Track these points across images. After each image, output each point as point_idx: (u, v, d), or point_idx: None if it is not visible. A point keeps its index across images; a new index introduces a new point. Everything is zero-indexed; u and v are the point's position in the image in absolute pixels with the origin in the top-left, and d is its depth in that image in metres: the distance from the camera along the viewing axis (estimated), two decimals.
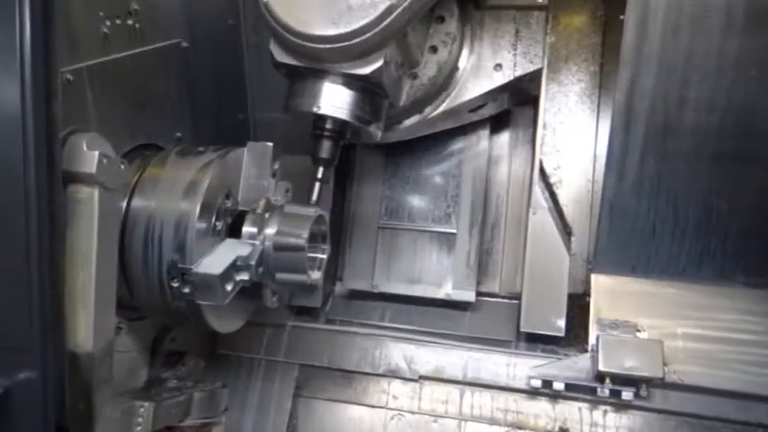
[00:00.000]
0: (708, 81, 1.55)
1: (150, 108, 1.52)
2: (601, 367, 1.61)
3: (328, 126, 1.51)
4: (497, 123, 2.00)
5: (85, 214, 1.03)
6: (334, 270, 2.01)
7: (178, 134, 1.61)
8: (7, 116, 0.92)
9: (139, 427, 1.29)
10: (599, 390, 1.65)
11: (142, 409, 1.29)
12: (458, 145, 1.97)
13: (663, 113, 1.60)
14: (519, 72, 1.78)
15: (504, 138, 2.02)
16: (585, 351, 1.72)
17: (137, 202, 1.34)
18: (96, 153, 1.02)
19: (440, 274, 1.93)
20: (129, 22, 1.43)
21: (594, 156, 1.94)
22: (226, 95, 1.89)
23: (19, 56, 0.93)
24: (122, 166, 1.13)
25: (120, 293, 1.27)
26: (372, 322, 1.94)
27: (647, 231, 1.71)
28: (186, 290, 1.30)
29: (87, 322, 1.06)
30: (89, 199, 1.03)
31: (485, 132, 1.97)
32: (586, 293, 1.85)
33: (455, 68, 1.76)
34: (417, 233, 1.96)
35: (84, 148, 1.01)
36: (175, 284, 1.30)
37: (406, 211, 1.98)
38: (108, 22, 1.35)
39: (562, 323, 1.76)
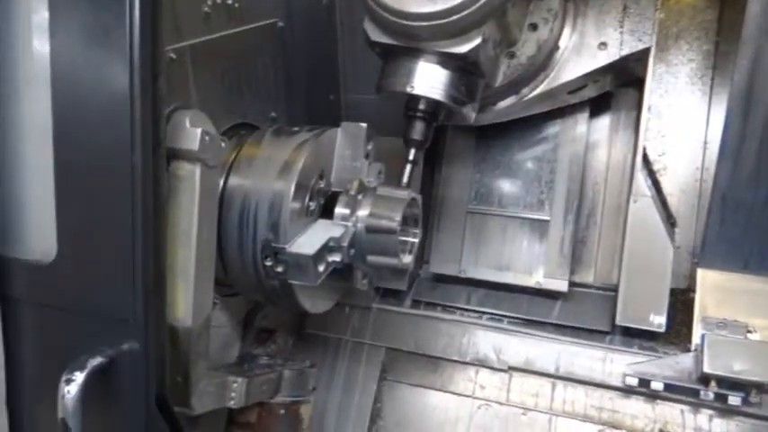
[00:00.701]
0: None
1: (246, 87, 1.53)
2: (706, 369, 1.50)
3: (421, 107, 1.48)
4: (597, 106, 1.88)
5: (187, 191, 1.05)
6: (420, 253, 1.98)
7: (273, 114, 1.62)
8: (116, 93, 0.94)
9: (233, 402, 1.31)
10: (702, 393, 1.54)
11: (235, 384, 1.32)
12: (554, 128, 1.88)
13: None
14: (625, 51, 1.66)
15: (605, 121, 1.91)
16: (688, 350, 1.61)
17: (233, 181, 1.36)
18: (199, 130, 1.03)
19: (530, 262, 1.86)
20: (229, 1, 1.44)
21: (705, 142, 1.81)
22: (318, 76, 1.89)
23: (128, 36, 0.95)
24: (223, 144, 1.14)
25: (215, 270, 1.29)
26: (458, 305, 1.89)
27: (763, 225, 1.57)
28: (279, 269, 1.30)
29: (187, 297, 1.08)
30: (190, 176, 1.05)
31: (583, 115, 1.86)
32: (690, 289, 1.74)
33: (555, 47, 1.67)
34: (508, 219, 1.89)
35: (188, 125, 1.02)
36: (269, 263, 1.31)
37: (497, 196, 1.91)
38: (209, 2, 1.37)
39: (663, 319, 1.66)
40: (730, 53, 1.73)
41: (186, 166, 1.04)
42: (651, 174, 1.76)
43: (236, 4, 1.46)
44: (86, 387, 0.94)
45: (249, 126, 1.53)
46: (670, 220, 1.74)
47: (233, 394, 1.31)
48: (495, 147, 1.93)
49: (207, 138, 1.05)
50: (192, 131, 1.02)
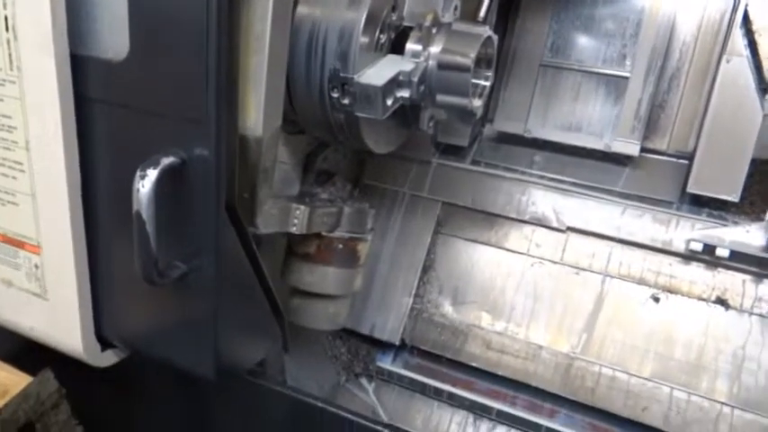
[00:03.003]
0: None
1: None
2: None
3: None
4: None
5: None
6: (485, 110, 1.91)
7: None
8: None
9: (295, 228, 1.33)
10: None
11: (298, 212, 1.34)
12: None
13: None
14: None
15: None
16: (760, 221, 1.55)
17: (302, 9, 1.29)
18: None
19: (602, 123, 1.77)
20: None
21: None
22: None
23: None
24: None
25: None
26: (520, 168, 1.85)
27: None
28: (346, 101, 1.27)
29: (258, 105, 1.06)
30: None
31: None
32: None
33: None
34: (584, 75, 1.78)
35: None
36: (336, 94, 1.27)
37: (575, 49, 1.79)
38: None
39: (739, 188, 1.58)
40: None
41: None
42: (749, 33, 1.61)
43: None
44: (159, 183, 0.96)
45: None
46: (762, 85, 1.60)
47: (295, 221, 1.33)
48: None
49: None
50: None
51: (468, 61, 1.27)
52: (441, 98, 1.32)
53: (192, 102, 0.97)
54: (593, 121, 1.78)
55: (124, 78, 1.02)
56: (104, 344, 1.29)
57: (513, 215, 1.78)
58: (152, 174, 0.96)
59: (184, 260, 1.09)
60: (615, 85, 1.75)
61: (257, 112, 1.06)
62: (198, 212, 1.05)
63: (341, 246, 1.49)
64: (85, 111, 1.06)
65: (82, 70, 1.04)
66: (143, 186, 0.96)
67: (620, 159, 1.77)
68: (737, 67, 1.57)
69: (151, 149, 0.99)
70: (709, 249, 1.55)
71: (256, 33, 1.02)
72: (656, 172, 1.76)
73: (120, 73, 1.01)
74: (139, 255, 1.01)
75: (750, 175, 1.61)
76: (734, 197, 1.58)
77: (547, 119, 1.83)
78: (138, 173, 0.96)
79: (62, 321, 1.22)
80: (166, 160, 0.98)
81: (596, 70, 1.76)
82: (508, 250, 1.79)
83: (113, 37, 1.00)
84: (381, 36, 1.30)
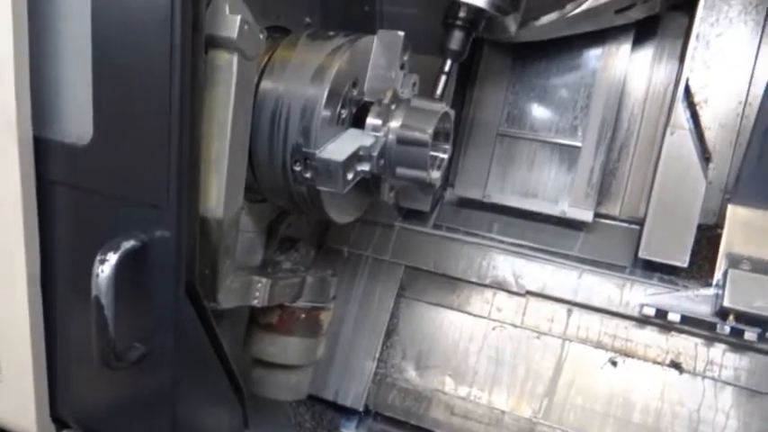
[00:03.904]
0: None
1: None
2: (726, 303, 1.50)
3: (462, 14, 1.43)
4: (642, 31, 1.80)
5: (224, 81, 1.03)
6: (445, 175, 1.96)
7: (307, 19, 1.57)
8: None
9: (256, 301, 1.34)
10: (719, 326, 1.55)
11: (260, 284, 1.34)
12: (595, 51, 1.81)
13: None
14: None
15: (649, 48, 1.83)
16: (708, 285, 1.61)
17: (266, 84, 1.33)
18: (238, 17, 1.00)
19: (557, 190, 1.84)
20: None
21: (751, 76, 1.74)
22: None
23: None
24: (262, 36, 1.11)
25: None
26: (480, 232, 1.89)
27: None
28: (308, 174, 1.30)
29: (219, 189, 1.08)
30: (228, 66, 1.03)
31: (627, 40, 1.79)
32: (718, 226, 1.72)
33: None
34: (538, 144, 1.86)
35: (227, 12, 0.99)
36: (298, 168, 1.30)
37: (530, 119, 1.87)
38: None
39: (687, 254, 1.65)
40: None
41: (224, 55, 1.02)
42: (691, 106, 1.71)
43: None
44: (119, 268, 0.97)
45: (283, 30, 1.49)
46: (705, 155, 1.70)
47: (257, 294, 1.34)
48: (532, 68, 1.87)
49: (246, 26, 1.02)
50: (232, 18, 0.99)
51: (426, 136, 1.32)
52: (400, 171, 1.36)
53: (153, 186, 0.98)
54: (548, 187, 1.85)
55: (87, 163, 1.03)
56: (60, 424, 1.25)
57: (474, 279, 1.81)
58: (112, 258, 0.96)
59: (143, 341, 1.08)
60: (569, 154, 1.83)
61: (218, 194, 1.08)
62: (157, 293, 1.05)
63: (303, 315, 1.49)
64: (47, 193, 1.06)
65: (45, 153, 1.05)
66: (102, 271, 0.96)
67: (576, 224, 1.84)
68: (681, 138, 1.66)
69: (112, 233, 0.99)
70: (662, 314, 1.61)
71: (219, 120, 1.05)
72: (610, 236, 1.82)
73: (84, 157, 1.02)
74: (97, 340, 1.00)
75: (698, 241, 1.68)
76: (683, 263, 1.64)
77: (505, 185, 1.89)
78: (98, 257, 0.97)
79: (16, 403, 1.19)
80: (127, 244, 0.98)
81: (550, 140, 1.84)
82: (470, 314, 1.81)
83: (77, 121, 1.02)
84: (343, 111, 1.35)
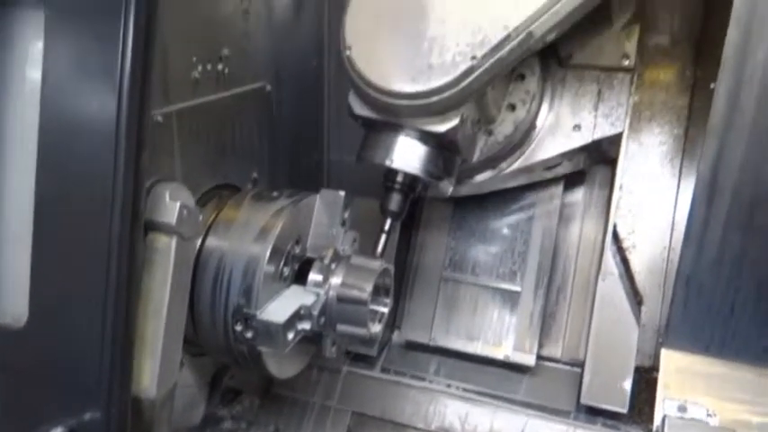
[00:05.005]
0: None
1: (231, 149, 1.56)
2: None
3: (399, 179, 1.52)
4: (572, 181, 1.94)
5: (162, 263, 1.06)
6: (392, 319, 2.00)
7: (255, 175, 1.65)
8: (100, 161, 0.96)
9: None
10: None
11: None
12: (529, 200, 1.93)
13: (751, 188, 1.52)
14: (598, 135, 1.74)
15: (578, 196, 1.97)
16: (649, 431, 1.63)
17: (210, 243, 1.37)
18: (178, 204, 1.05)
19: (500, 333, 1.88)
20: (219, 67, 1.48)
21: (673, 222, 1.87)
22: (303, 136, 1.93)
23: (116, 107, 0.97)
24: (200, 217, 1.16)
25: (185, 329, 1.29)
26: (427, 376, 1.90)
27: (725, 310, 1.61)
28: (249, 335, 1.31)
29: (153, 369, 1.08)
30: (166, 248, 1.06)
31: (558, 189, 1.92)
32: (655, 368, 1.76)
33: (532, 127, 1.74)
34: (480, 288, 1.92)
35: (167, 199, 1.04)
36: (239, 328, 1.32)
37: (471, 264, 1.95)
38: (200, 67, 1.41)
39: (626, 399, 1.68)
40: (698, 139, 1.81)
41: (163, 238, 1.06)
42: (620, 251, 1.81)
43: (226, 70, 1.50)
44: None
45: (230, 187, 1.56)
46: (637, 299, 1.78)
47: None
48: (471, 215, 1.97)
49: (185, 212, 1.07)
50: (172, 205, 1.04)
51: (364, 295, 1.36)
52: (341, 328, 1.39)
53: (86, 370, 0.97)
54: (491, 331, 1.89)
55: (21, 345, 1.02)
56: None
57: (421, 425, 1.79)
58: None
59: None
60: (510, 298, 1.89)
61: (152, 375, 1.08)
62: None
63: None
64: None
65: None
66: None
67: (520, 367, 1.86)
68: (612, 284, 1.75)
69: (42, 417, 0.97)
70: None
71: (155, 300, 1.07)
72: (554, 379, 1.85)
73: (18, 340, 1.01)
74: None
75: (636, 383, 1.72)
76: (622, 409, 1.67)
77: (450, 328, 1.93)
78: None
79: None
80: None
81: (491, 284, 1.91)
82: None
83: (13, 304, 1.02)
84: (285, 268, 1.39)
